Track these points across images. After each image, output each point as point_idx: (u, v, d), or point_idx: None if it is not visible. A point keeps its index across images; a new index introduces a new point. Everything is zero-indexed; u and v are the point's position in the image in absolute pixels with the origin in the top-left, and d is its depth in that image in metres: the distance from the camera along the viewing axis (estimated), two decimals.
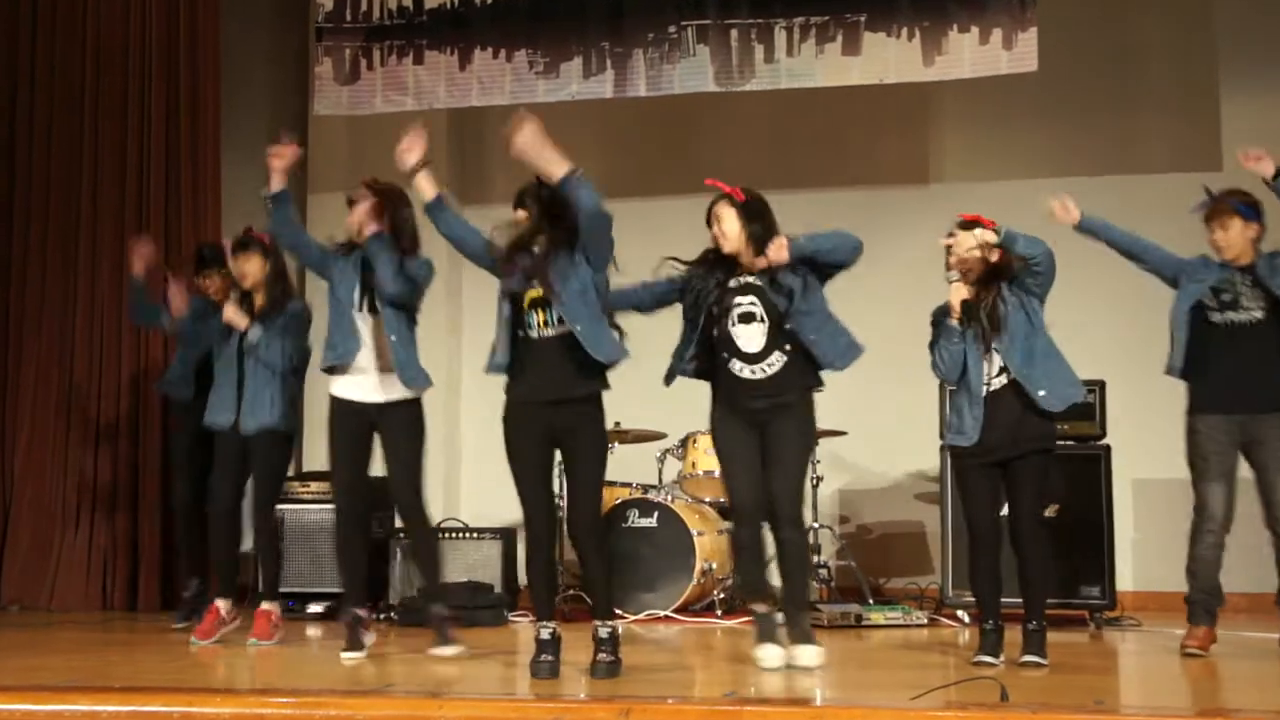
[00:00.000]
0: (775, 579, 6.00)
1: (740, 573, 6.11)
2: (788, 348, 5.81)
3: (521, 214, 5.77)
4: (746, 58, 8.89)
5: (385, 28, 9.37)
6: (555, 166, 5.52)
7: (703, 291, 5.93)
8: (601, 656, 5.52)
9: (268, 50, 10.58)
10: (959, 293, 6.03)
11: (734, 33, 8.90)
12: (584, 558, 5.76)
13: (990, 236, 5.88)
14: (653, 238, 8.89)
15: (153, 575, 9.13)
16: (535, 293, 5.59)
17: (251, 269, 7.08)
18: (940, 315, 6.16)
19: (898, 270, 9.10)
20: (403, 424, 6.37)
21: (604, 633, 5.58)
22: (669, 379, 6.05)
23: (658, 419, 8.40)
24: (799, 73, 8.85)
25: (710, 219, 5.94)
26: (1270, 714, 4.07)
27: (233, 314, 7.02)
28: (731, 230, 5.87)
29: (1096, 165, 9.48)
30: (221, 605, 7.02)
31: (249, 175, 10.29)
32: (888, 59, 8.71)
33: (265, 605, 7.04)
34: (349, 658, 6.16)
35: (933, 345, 6.19)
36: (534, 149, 5.56)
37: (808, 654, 5.68)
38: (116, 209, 9.51)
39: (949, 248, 6.04)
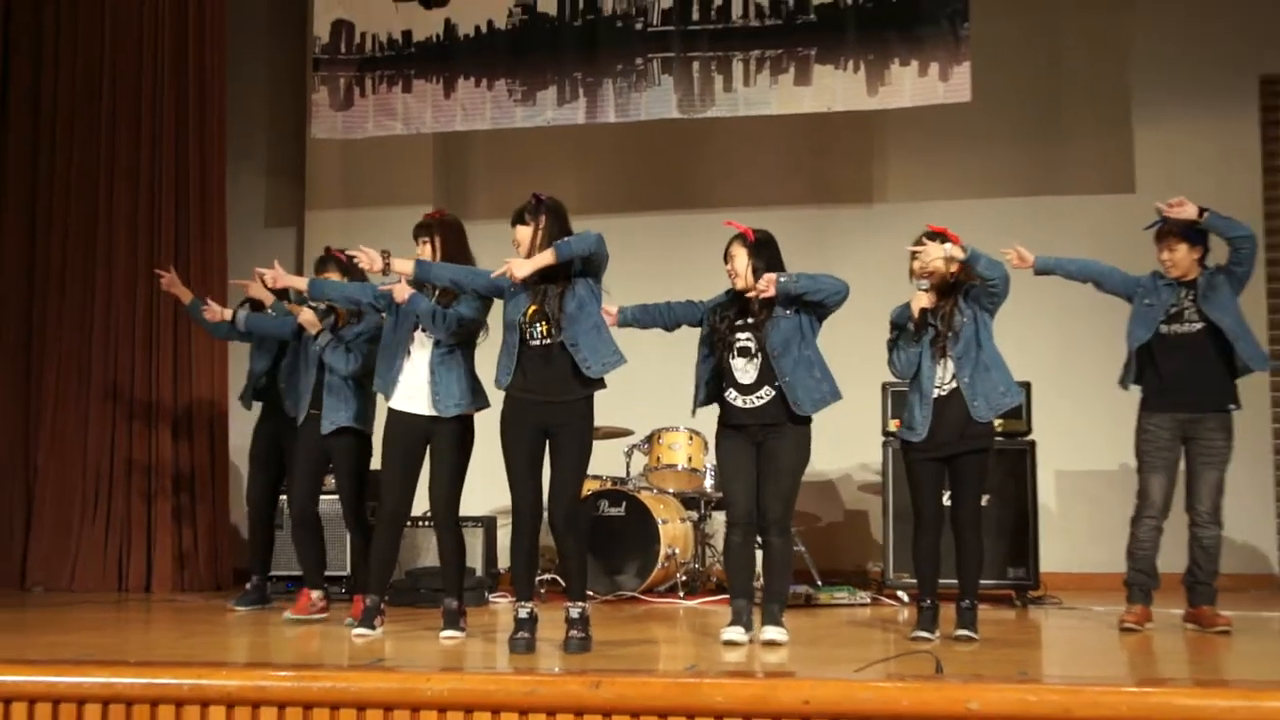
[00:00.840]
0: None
1: (730, 572, 6.10)
2: (777, 383, 5.87)
3: (522, 230, 5.81)
4: (707, 87, 8.93)
5: (376, 59, 9.39)
6: (546, 258, 5.61)
7: (717, 328, 6.02)
8: (574, 634, 5.57)
9: (269, 79, 10.56)
10: (921, 300, 6.09)
11: (696, 64, 8.94)
12: (561, 543, 5.79)
13: (957, 252, 5.93)
14: (625, 253, 8.96)
15: (165, 558, 9.11)
16: (534, 306, 5.68)
17: None
18: (901, 318, 6.21)
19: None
20: (449, 438, 6.30)
21: (575, 612, 5.63)
22: (695, 410, 6.13)
23: (626, 417, 8.43)
24: (755, 101, 8.90)
25: (726, 257, 6.02)
26: (1174, 681, 4.13)
27: (308, 317, 7.01)
28: (741, 268, 5.95)
29: (1024, 187, 9.56)
30: (313, 594, 7.05)
31: (251, 191, 10.35)
32: (835, 89, 8.76)
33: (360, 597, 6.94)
34: (361, 633, 6.19)
35: (891, 345, 6.24)
36: (529, 269, 5.62)
37: (773, 632, 5.75)
38: (130, 220, 9.49)
39: (914, 254, 6.09)
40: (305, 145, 10.12)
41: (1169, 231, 6.68)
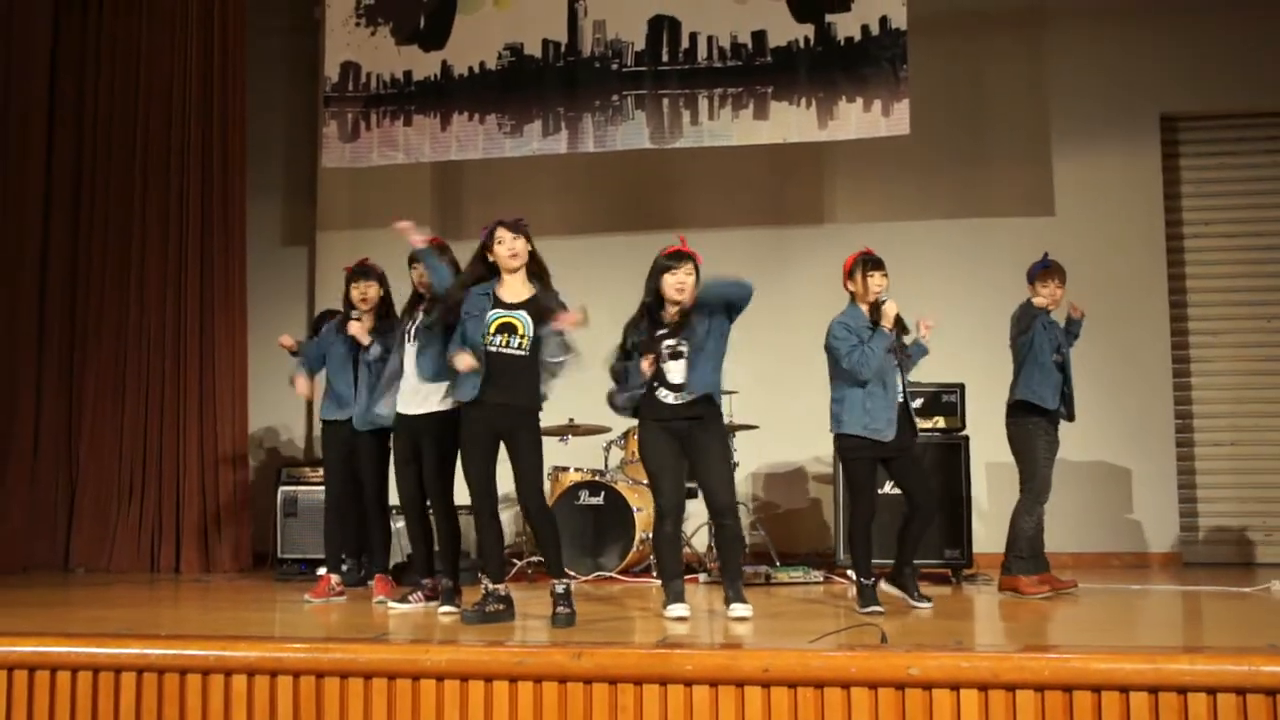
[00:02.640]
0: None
1: (661, 558, 6.03)
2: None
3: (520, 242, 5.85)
4: (676, 121, 8.95)
5: (380, 96, 9.38)
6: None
7: (642, 339, 5.96)
8: (560, 609, 5.54)
9: (285, 114, 10.53)
10: (894, 307, 6.12)
11: (665, 101, 8.97)
12: (534, 528, 5.81)
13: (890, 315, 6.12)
14: (601, 269, 8.99)
15: (192, 543, 9.09)
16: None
17: (371, 294, 7.03)
18: (871, 320, 6.19)
19: (798, 294, 9.18)
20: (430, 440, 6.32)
21: (560, 589, 5.60)
22: (624, 407, 6.05)
23: (604, 415, 8.40)
24: (718, 133, 8.93)
25: (668, 272, 5.95)
26: (1089, 647, 4.16)
27: (358, 329, 6.90)
28: (692, 285, 5.92)
29: (956, 210, 9.61)
30: (333, 578, 6.97)
31: (269, 213, 10.33)
32: (790, 123, 8.79)
33: (379, 575, 6.91)
34: (393, 607, 6.28)
35: (855, 347, 6.15)
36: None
37: (741, 609, 5.73)
38: (161, 237, 9.49)
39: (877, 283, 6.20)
40: (317, 173, 10.11)
41: (1060, 273, 6.94)
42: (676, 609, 5.73)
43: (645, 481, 8.50)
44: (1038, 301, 6.85)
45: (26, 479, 9.30)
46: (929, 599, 6.24)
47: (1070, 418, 7.01)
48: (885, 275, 6.21)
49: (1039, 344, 6.86)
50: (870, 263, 6.22)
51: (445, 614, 6.07)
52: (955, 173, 9.65)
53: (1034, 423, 6.87)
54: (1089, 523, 9.07)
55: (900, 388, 6.23)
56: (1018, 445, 6.95)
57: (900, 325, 6.21)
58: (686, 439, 5.91)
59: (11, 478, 9.25)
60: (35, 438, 9.41)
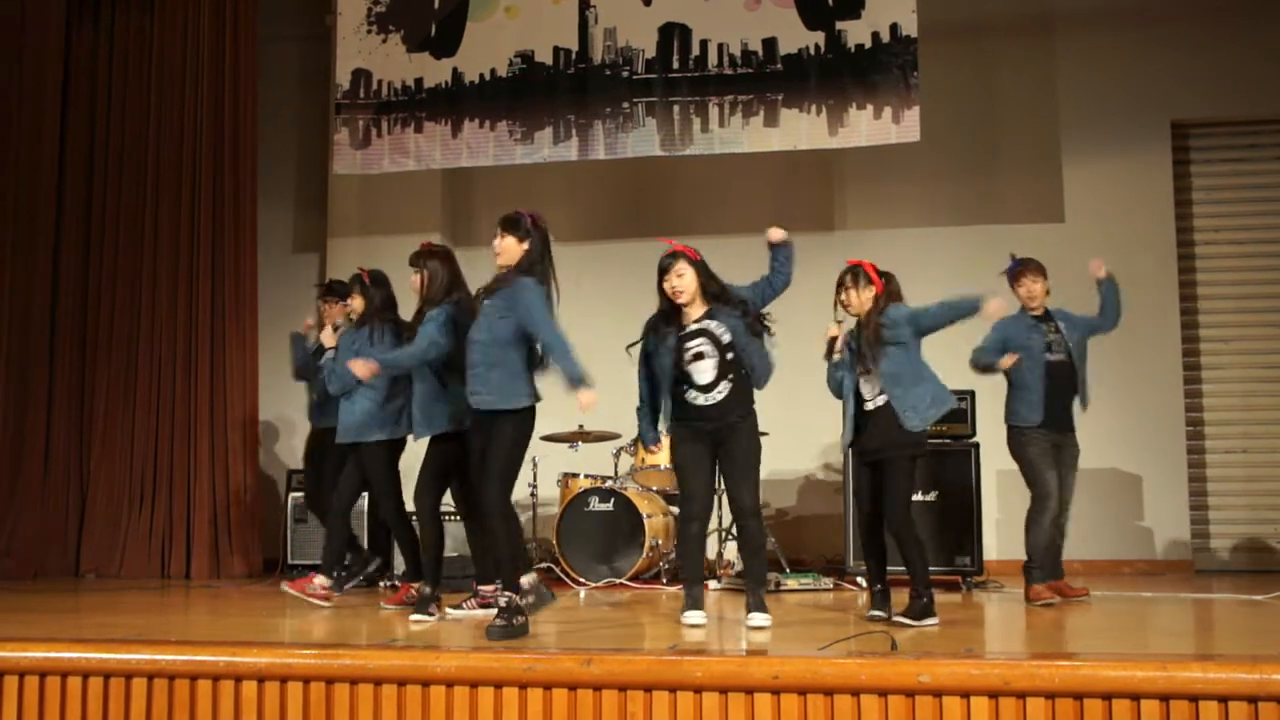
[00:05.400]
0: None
1: (687, 561, 5.96)
2: (731, 376, 5.77)
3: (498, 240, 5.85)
4: (686, 128, 8.97)
5: (391, 103, 9.42)
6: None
7: (663, 349, 5.84)
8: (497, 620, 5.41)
9: (296, 121, 10.55)
10: (831, 331, 6.17)
11: (676, 108, 8.98)
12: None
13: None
14: (610, 274, 8.99)
15: (202, 549, 9.13)
16: None
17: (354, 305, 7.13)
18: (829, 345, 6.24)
19: (807, 303, 9.14)
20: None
21: (502, 600, 5.48)
22: (652, 441, 6.04)
23: (614, 421, 8.42)
24: (729, 141, 8.95)
25: (664, 274, 5.87)
26: (1100, 655, 4.14)
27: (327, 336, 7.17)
28: (690, 284, 5.83)
29: (966, 216, 9.61)
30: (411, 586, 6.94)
31: (280, 221, 10.35)
32: (800, 130, 8.82)
33: (411, 582, 6.87)
34: (417, 619, 6.15)
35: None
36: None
37: (759, 618, 5.66)
38: (172, 246, 9.54)
39: (842, 300, 6.15)
40: (328, 180, 10.13)
41: (1033, 269, 6.96)
42: (693, 616, 5.71)
43: (655, 488, 8.55)
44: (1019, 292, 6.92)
45: (38, 485, 9.34)
46: (888, 614, 6.05)
47: (1083, 405, 7.00)
48: (846, 288, 6.14)
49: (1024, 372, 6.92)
50: (838, 283, 6.21)
51: (416, 621, 6.06)
52: (965, 180, 9.65)
53: (1025, 434, 6.92)
54: (1100, 530, 9.05)
55: (869, 395, 6.05)
56: (1014, 456, 7.02)
57: (829, 347, 6.20)
58: (718, 441, 5.83)
59: (23, 484, 9.29)
60: (47, 444, 9.45)
